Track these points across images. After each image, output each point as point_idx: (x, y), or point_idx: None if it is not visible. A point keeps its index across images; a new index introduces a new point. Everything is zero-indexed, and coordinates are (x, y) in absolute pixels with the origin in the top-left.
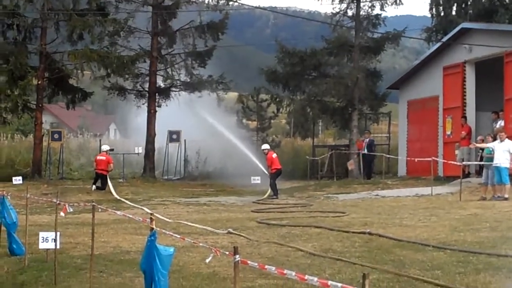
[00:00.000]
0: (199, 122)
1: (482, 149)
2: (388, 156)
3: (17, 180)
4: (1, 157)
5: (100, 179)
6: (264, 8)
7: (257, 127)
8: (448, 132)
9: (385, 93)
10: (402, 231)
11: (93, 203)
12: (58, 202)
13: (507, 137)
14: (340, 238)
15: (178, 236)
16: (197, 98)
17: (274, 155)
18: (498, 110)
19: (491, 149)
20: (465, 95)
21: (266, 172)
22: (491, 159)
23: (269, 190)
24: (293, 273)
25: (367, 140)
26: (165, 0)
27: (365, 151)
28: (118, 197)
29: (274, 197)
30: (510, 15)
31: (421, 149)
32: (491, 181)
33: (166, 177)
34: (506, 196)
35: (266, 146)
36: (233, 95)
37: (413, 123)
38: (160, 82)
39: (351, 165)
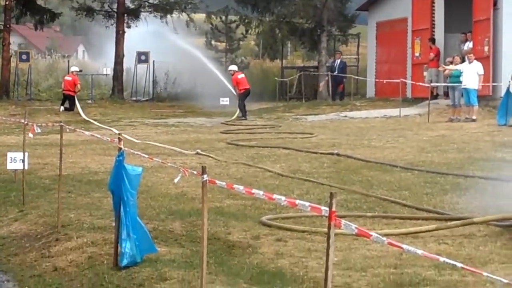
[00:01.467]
0: (167, 43)
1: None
2: (356, 77)
3: None
4: None
5: (68, 100)
6: None
7: (226, 48)
8: (417, 54)
9: (354, 14)
10: (370, 152)
11: (61, 124)
12: (26, 122)
13: (475, 58)
14: (308, 159)
15: (146, 156)
16: (165, 20)
17: (240, 76)
18: (467, 31)
19: (460, 71)
20: (433, 17)
21: (234, 93)
22: (458, 80)
23: (238, 111)
24: (261, 193)
25: (338, 61)
26: None
27: (336, 72)
28: (87, 118)
29: (243, 118)
30: None
31: (389, 70)
32: (458, 102)
33: (134, 98)
34: (474, 117)
35: (233, 67)
36: (202, 16)
37: (382, 45)
38: (128, 3)
39: (323, 86)
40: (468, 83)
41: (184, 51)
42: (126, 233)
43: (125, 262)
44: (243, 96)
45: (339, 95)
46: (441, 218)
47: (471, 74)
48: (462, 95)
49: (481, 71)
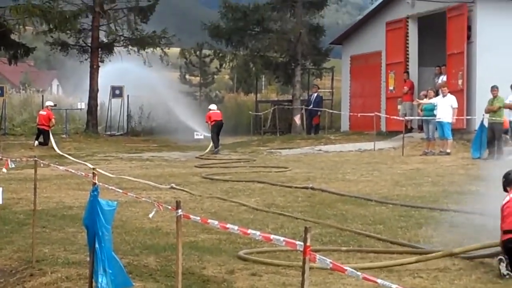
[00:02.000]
0: (142, 78)
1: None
2: (331, 111)
3: None
4: None
5: (42, 134)
6: None
7: (200, 82)
8: (391, 88)
9: (328, 48)
10: (345, 186)
11: (36, 159)
12: (0, 157)
13: (449, 92)
14: (283, 193)
15: (121, 191)
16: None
17: (212, 111)
18: (441, 65)
19: (434, 104)
20: (407, 51)
21: (208, 127)
22: (432, 114)
23: (211, 144)
24: (236, 228)
25: (315, 95)
26: None
27: (312, 106)
28: (61, 153)
29: (215, 149)
30: None
31: (364, 104)
32: (432, 136)
33: (109, 133)
34: (448, 150)
35: (212, 107)
36: (175, 50)
37: (356, 79)
38: (103, 38)
39: (298, 119)
40: (442, 117)
41: (158, 86)
42: (102, 268)
43: None
44: (215, 127)
45: (314, 128)
46: (416, 252)
47: (445, 108)
48: (436, 129)
49: (455, 105)
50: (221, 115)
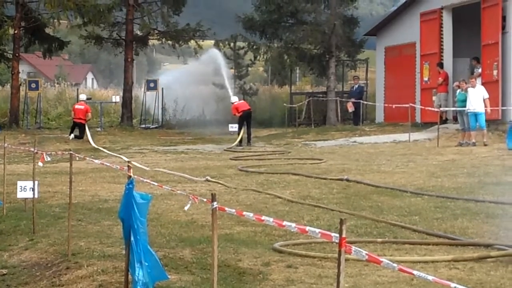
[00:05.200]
0: (177, 71)
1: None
2: (366, 102)
3: None
4: None
5: (78, 128)
6: None
7: (235, 74)
8: (426, 79)
9: (362, 39)
10: (380, 177)
11: (71, 152)
12: (36, 151)
13: (483, 83)
14: (318, 185)
15: (156, 184)
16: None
17: (236, 103)
18: (476, 56)
19: (466, 95)
20: (442, 41)
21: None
22: (465, 105)
23: (241, 134)
24: (271, 220)
25: (356, 86)
26: None
27: (354, 97)
28: (96, 146)
29: (240, 143)
30: None
31: (398, 95)
32: (468, 126)
33: (143, 126)
34: (485, 140)
35: (233, 99)
36: (210, 43)
37: (390, 70)
38: (137, 31)
39: (350, 107)
40: (476, 107)
41: (193, 78)
42: (138, 260)
43: None
44: (244, 118)
45: (356, 119)
46: (452, 243)
47: (477, 98)
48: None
49: (486, 95)
50: (248, 104)
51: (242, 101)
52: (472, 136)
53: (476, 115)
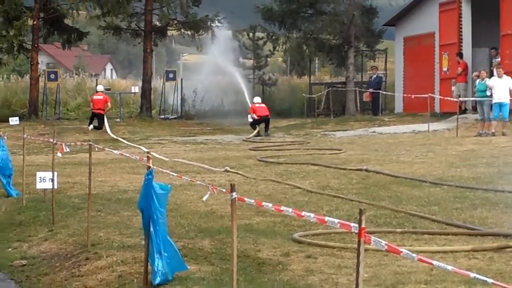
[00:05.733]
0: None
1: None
2: (385, 92)
3: (14, 120)
4: None
5: (97, 118)
6: None
7: (254, 65)
8: (445, 69)
9: (381, 30)
10: (399, 168)
11: (90, 143)
12: (55, 142)
13: (504, 73)
14: (337, 175)
15: (175, 175)
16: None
17: (258, 104)
18: (495, 46)
19: (485, 85)
20: (461, 32)
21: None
22: (485, 95)
23: (257, 128)
24: (290, 210)
25: (374, 76)
26: None
27: (372, 88)
28: (115, 137)
29: (259, 136)
30: None
31: (417, 85)
32: (487, 116)
33: (163, 116)
34: (504, 130)
35: (256, 100)
36: (228, 33)
37: (409, 60)
38: (155, 21)
39: (367, 97)
40: (502, 98)
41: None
42: (157, 251)
43: (158, 280)
44: (260, 122)
45: (375, 109)
46: (471, 233)
47: (503, 89)
48: (491, 109)
49: None
50: (267, 110)
51: (263, 105)
52: (493, 126)
53: (501, 105)
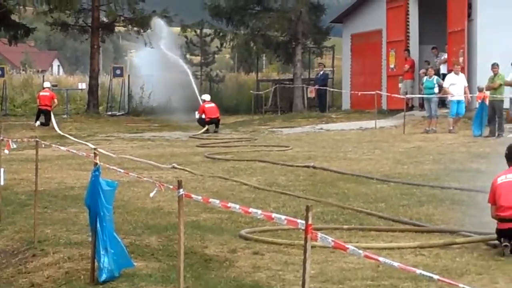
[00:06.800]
0: (143, 57)
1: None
2: (331, 89)
3: None
4: None
5: (43, 115)
6: None
7: (201, 62)
8: (392, 66)
9: (328, 27)
10: (346, 164)
11: (37, 139)
12: (1, 138)
13: (449, 70)
14: (284, 172)
15: (122, 171)
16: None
17: (208, 105)
18: (440, 44)
19: (434, 83)
20: (408, 29)
21: (196, 117)
22: (432, 92)
23: (206, 127)
24: (237, 207)
25: (321, 73)
26: None
27: (318, 84)
28: (62, 133)
29: (207, 133)
30: None
31: (364, 82)
32: (435, 113)
33: (110, 113)
34: (451, 128)
35: (204, 97)
36: (176, 30)
37: (356, 57)
38: (103, 18)
39: (311, 92)
40: (459, 95)
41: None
42: (104, 248)
43: (103, 277)
44: (208, 123)
45: (322, 106)
46: (418, 230)
47: (461, 86)
48: (438, 106)
49: (466, 83)
50: (217, 111)
51: (213, 105)
52: (450, 123)
53: (458, 102)
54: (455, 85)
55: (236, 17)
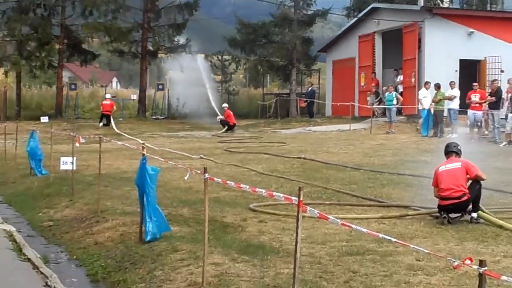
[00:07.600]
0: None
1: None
2: (317, 101)
3: (44, 119)
4: (33, 102)
5: (105, 118)
6: None
7: (221, 80)
8: (362, 84)
9: (316, 55)
10: (328, 156)
11: (100, 136)
12: (74, 135)
13: (404, 88)
14: (282, 162)
15: (163, 160)
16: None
17: (231, 112)
18: (398, 68)
19: (393, 96)
20: (374, 57)
21: (219, 118)
22: (391, 103)
23: (225, 127)
24: (248, 187)
25: (310, 89)
26: None
27: (308, 97)
28: (119, 132)
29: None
30: None
31: (342, 96)
32: (394, 119)
33: (154, 117)
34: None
35: (225, 105)
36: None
37: (336, 77)
38: (149, 47)
39: (301, 103)
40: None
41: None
42: (149, 216)
43: (148, 238)
44: (230, 127)
45: (307, 111)
46: (381, 205)
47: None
48: (396, 114)
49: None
50: (234, 118)
51: (231, 112)
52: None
53: (428, 111)
54: (426, 98)
55: (248, 47)
